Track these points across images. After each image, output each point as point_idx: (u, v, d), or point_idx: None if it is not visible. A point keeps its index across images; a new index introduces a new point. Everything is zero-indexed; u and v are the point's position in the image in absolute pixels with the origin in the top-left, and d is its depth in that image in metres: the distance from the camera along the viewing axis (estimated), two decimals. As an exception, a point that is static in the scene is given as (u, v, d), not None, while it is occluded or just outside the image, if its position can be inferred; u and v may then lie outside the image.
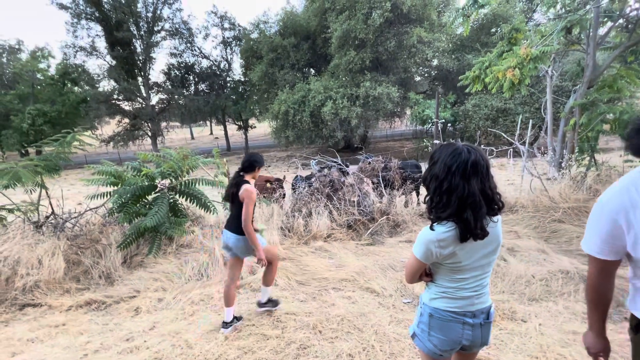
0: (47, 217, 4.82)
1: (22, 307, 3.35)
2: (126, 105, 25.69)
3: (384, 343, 2.47)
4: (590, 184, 5.39)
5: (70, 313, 3.23)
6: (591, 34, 5.32)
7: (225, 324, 2.74)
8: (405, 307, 2.99)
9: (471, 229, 1.20)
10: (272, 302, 3.01)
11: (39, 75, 24.59)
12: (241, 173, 2.71)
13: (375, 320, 2.75)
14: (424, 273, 1.37)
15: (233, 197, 2.66)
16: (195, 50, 26.67)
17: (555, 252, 3.81)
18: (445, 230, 1.23)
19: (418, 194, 6.14)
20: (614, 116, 5.23)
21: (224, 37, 26.42)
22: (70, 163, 4.96)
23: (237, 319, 2.83)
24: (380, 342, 2.48)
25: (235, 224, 2.64)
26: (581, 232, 4.21)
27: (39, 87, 24.44)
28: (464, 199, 1.18)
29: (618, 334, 2.45)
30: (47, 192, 4.80)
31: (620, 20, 5.53)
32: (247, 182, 2.65)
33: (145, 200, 4.19)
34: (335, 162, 5.87)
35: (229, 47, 26.89)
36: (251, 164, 2.67)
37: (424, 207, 5.70)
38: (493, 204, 1.24)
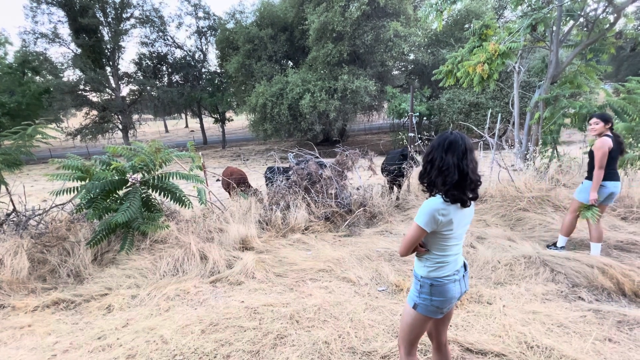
0: (8, 215, 4.57)
1: (-18, 310, 3.17)
2: (94, 97, 24.34)
3: (359, 329, 2.56)
4: (553, 174, 5.73)
5: (37, 314, 3.09)
6: (554, 31, 5.61)
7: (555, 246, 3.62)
8: (380, 295, 3.09)
9: (460, 196, 1.47)
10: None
11: (-6, 64, 22.79)
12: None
13: (351, 308, 2.83)
14: (419, 245, 1.60)
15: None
16: (167, 39, 25.64)
17: (520, 239, 4.05)
18: (443, 199, 1.49)
19: (399, 186, 6.09)
20: (574, 110, 5.57)
21: (198, 27, 25.53)
22: (32, 157, 4.69)
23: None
24: (355, 329, 2.56)
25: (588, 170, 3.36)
26: (543, 220, 4.50)
27: (-6, 76, 22.68)
28: (442, 170, 1.47)
29: (573, 312, 2.67)
30: (7, 188, 4.54)
31: (581, 20, 5.84)
32: (606, 135, 3.14)
33: (116, 195, 4.04)
34: (312, 154, 5.89)
35: (203, 37, 26.04)
36: (607, 119, 3.16)
37: (402, 199, 5.85)
38: (469, 178, 1.47)
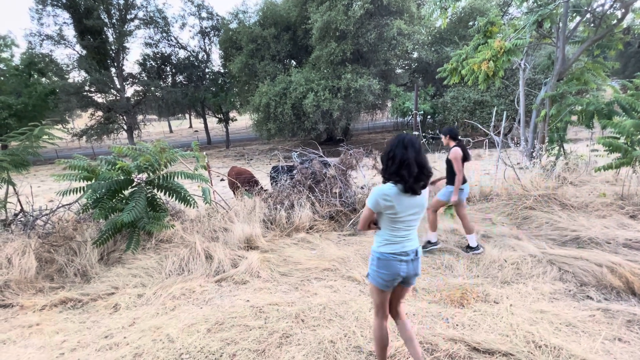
0: (16, 215, 4.62)
1: (-9, 309, 3.21)
2: (99, 97, 24.51)
3: (364, 328, 2.55)
4: (559, 172, 5.67)
5: (44, 312, 3.13)
6: (561, 28, 5.54)
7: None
8: (386, 294, 3.07)
9: (408, 184, 1.71)
10: (473, 249, 3.75)
11: (1, 65, 23.07)
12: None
13: (356, 307, 2.82)
14: (372, 222, 1.90)
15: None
16: (171, 40, 25.72)
17: (526, 238, 4.01)
18: (389, 187, 1.76)
19: None
20: (581, 108, 5.50)
21: (201, 27, 25.59)
22: (39, 158, 4.74)
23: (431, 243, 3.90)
24: (361, 328, 2.55)
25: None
26: (550, 218, 4.45)
27: (1, 78, 22.95)
28: (402, 162, 1.71)
29: (581, 311, 2.64)
30: (14, 189, 4.59)
31: (588, 15, 5.77)
32: (456, 146, 3.65)
33: (122, 195, 4.07)
34: (316, 153, 5.87)
35: (207, 38, 26.08)
36: (446, 133, 3.73)
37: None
38: (425, 170, 1.75)
